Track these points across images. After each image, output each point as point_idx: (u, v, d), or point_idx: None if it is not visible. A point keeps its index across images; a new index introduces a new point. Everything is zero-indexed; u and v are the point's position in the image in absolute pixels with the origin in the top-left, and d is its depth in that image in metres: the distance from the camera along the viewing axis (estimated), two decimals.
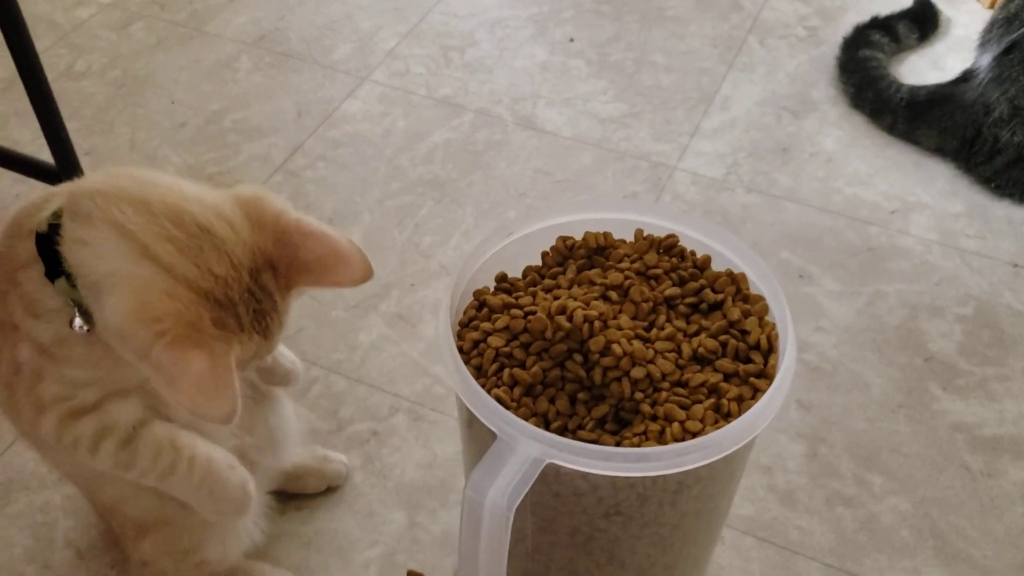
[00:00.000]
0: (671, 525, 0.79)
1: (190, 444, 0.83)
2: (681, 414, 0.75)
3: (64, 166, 1.36)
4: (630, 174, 1.49)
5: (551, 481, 0.75)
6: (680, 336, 0.80)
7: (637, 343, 0.78)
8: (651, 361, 0.78)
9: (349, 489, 1.13)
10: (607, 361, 0.77)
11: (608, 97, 1.62)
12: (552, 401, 0.78)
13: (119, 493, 0.92)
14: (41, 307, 0.75)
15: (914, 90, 1.52)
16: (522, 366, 0.79)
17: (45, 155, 1.38)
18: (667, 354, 0.78)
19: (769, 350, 0.79)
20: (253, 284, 0.70)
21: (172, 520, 0.94)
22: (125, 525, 0.96)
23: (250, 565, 1.02)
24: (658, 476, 0.73)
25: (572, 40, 1.73)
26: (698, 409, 0.75)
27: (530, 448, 0.71)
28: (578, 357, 0.78)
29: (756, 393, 0.76)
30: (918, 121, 1.51)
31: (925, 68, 1.67)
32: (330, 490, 1.12)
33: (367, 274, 0.73)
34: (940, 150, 1.50)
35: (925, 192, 1.47)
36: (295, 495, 1.11)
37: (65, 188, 0.76)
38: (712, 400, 0.76)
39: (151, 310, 0.66)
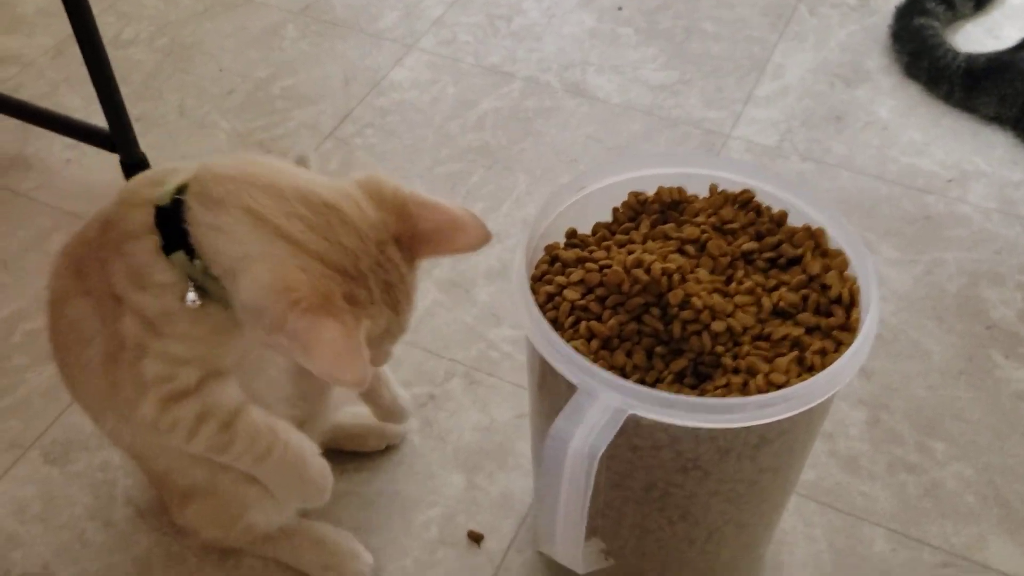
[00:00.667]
0: (748, 481, 0.78)
1: (284, 428, 0.85)
2: (764, 367, 0.74)
3: (117, 130, 1.36)
4: (682, 141, 1.47)
5: (630, 434, 0.74)
6: (759, 291, 0.79)
7: (717, 296, 0.77)
8: (731, 315, 0.77)
9: (408, 451, 1.13)
10: (686, 314, 0.76)
11: (658, 65, 1.61)
12: (629, 355, 0.77)
13: (168, 464, 0.93)
14: (149, 280, 0.75)
15: (972, 58, 1.50)
16: (598, 320, 0.78)
17: (96, 121, 1.39)
18: (747, 308, 0.77)
19: (851, 304, 0.78)
20: (381, 256, 0.71)
21: (219, 490, 0.94)
22: (173, 492, 0.96)
23: (309, 525, 1.02)
24: (741, 429, 0.72)
25: (620, 8, 1.71)
26: (782, 362, 0.74)
27: (612, 399, 0.70)
28: (656, 311, 0.77)
29: (839, 347, 0.75)
30: (976, 89, 1.48)
31: (981, 36, 1.64)
32: (389, 449, 1.12)
33: (485, 238, 0.74)
34: (998, 118, 1.48)
35: (983, 160, 1.44)
36: (355, 456, 1.10)
37: (189, 167, 0.75)
38: (795, 353, 0.75)
39: (286, 283, 0.67)
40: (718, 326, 0.76)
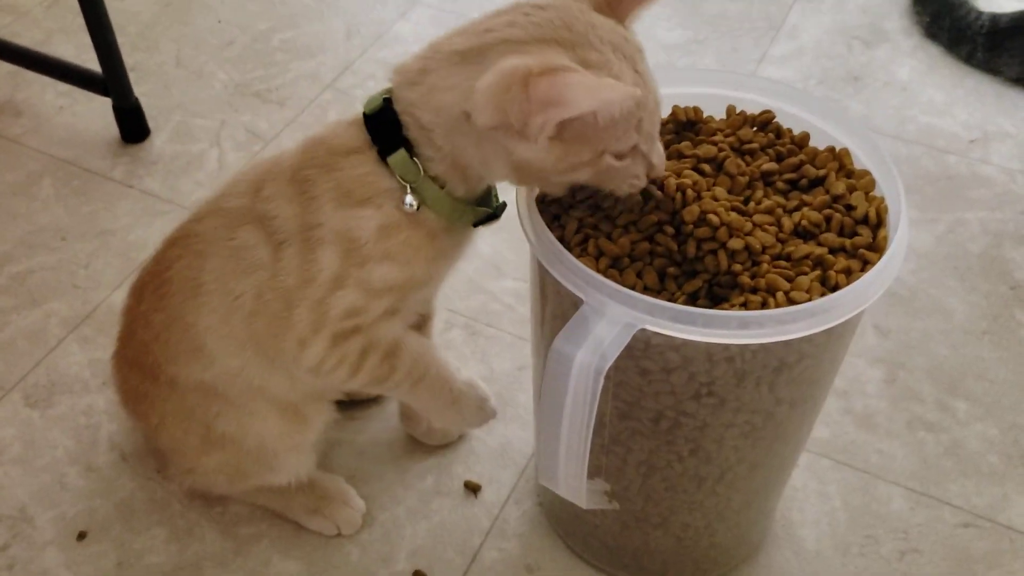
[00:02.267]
0: (765, 413, 0.73)
1: (434, 349, 0.86)
2: (785, 284, 0.69)
3: (111, 74, 1.32)
4: None
5: (639, 356, 0.69)
6: (779, 211, 0.74)
7: (734, 214, 0.72)
8: (749, 233, 0.72)
9: None
10: (702, 232, 0.71)
11: (672, 24, 1.56)
12: (640, 275, 0.72)
13: (220, 408, 0.86)
14: (371, 190, 0.74)
15: (996, 17, 1.45)
16: (608, 239, 0.73)
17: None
18: (766, 227, 0.72)
19: (878, 224, 0.73)
20: (594, 21, 0.69)
21: (251, 451, 0.89)
22: (192, 435, 0.89)
23: None
24: (759, 348, 0.67)
25: None
26: (804, 280, 0.69)
27: (622, 313, 0.65)
28: (669, 229, 0.72)
29: (865, 267, 0.70)
30: (1000, 49, 1.43)
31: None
32: (384, 399, 1.07)
33: None
34: (1022, 80, 1.43)
35: (1008, 121, 1.39)
36: (349, 404, 1.05)
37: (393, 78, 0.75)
38: (817, 272, 0.70)
39: (512, 67, 0.64)
40: (736, 244, 0.71)
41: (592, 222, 0.74)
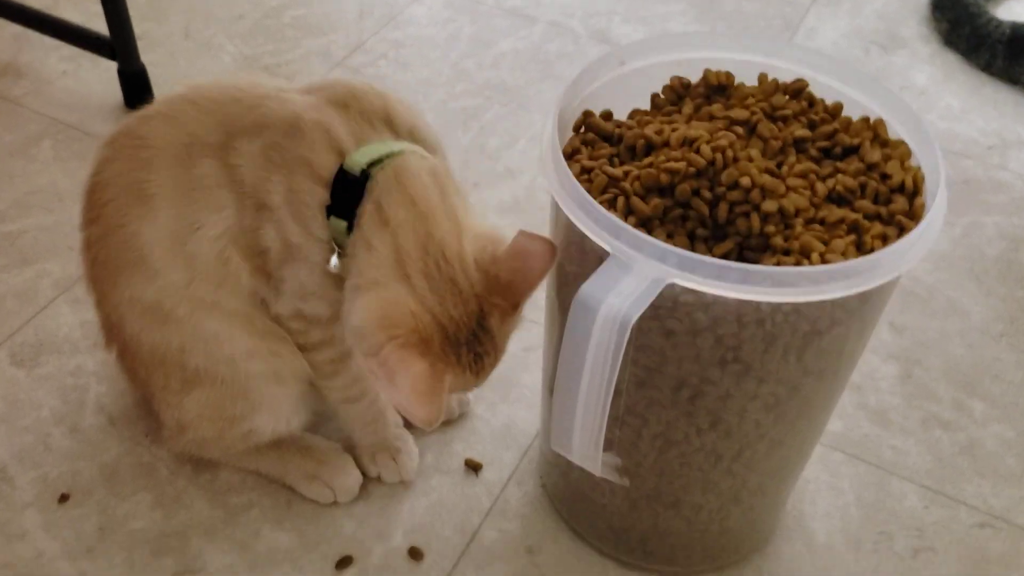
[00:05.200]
0: (790, 385, 0.70)
1: (374, 391, 0.92)
2: (820, 246, 0.66)
3: (118, 37, 1.29)
4: None
5: (665, 316, 0.66)
6: (813, 176, 0.71)
7: (767, 176, 0.69)
8: (783, 196, 0.69)
9: None
10: (734, 195, 0.68)
11: (688, 19, 1.54)
12: (670, 236, 0.69)
13: (182, 341, 0.84)
14: (304, 225, 0.75)
15: (1016, 27, 1.43)
16: (639, 199, 0.70)
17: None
18: (800, 190, 0.70)
19: (915, 192, 0.70)
20: (479, 330, 0.73)
21: (228, 382, 0.86)
22: (171, 377, 0.87)
23: (299, 435, 0.94)
24: (791, 311, 0.64)
25: None
26: (839, 243, 0.66)
27: (650, 267, 0.62)
28: (707, 194, 0.69)
29: (902, 232, 0.67)
30: (1019, 58, 1.42)
31: (1022, 11, 1.58)
32: None
33: (552, 250, 0.71)
34: None
35: None
36: None
37: (395, 147, 0.75)
38: (853, 237, 0.67)
39: (394, 319, 0.71)
40: (769, 206, 0.68)
41: (622, 184, 0.71)
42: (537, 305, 1.12)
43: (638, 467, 0.79)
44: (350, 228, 0.74)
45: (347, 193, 0.73)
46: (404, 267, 0.72)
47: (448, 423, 1.01)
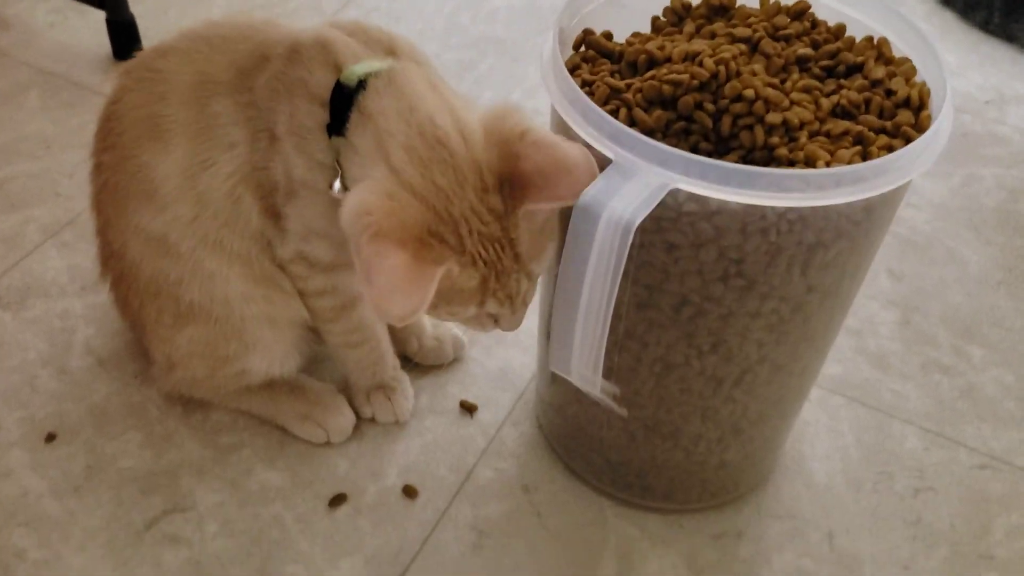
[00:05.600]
0: (794, 302, 0.69)
1: (380, 335, 0.91)
2: (825, 156, 0.64)
3: None
4: None
5: (667, 228, 0.65)
6: (817, 92, 0.70)
7: (771, 89, 0.68)
8: (787, 109, 0.67)
9: None
10: (738, 107, 0.67)
11: None
12: None
13: (180, 275, 0.82)
14: (307, 149, 0.72)
15: None
16: (641, 110, 0.69)
17: None
18: (805, 104, 0.68)
19: (920, 107, 0.69)
20: (478, 203, 0.65)
21: (222, 321, 0.84)
22: (165, 311, 0.85)
23: (293, 376, 0.92)
24: (796, 220, 0.63)
25: None
26: (844, 153, 0.65)
27: (654, 172, 0.61)
28: (710, 107, 0.68)
29: (908, 144, 0.66)
30: (1016, 15, 1.41)
31: None
32: None
33: (591, 177, 0.62)
34: None
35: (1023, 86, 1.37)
36: None
37: (389, 61, 0.71)
38: (858, 148, 0.66)
39: (366, 207, 0.63)
40: (773, 118, 0.66)
41: (624, 96, 0.69)
42: None
43: (637, 395, 0.78)
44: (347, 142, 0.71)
45: (345, 108, 0.70)
46: (384, 148, 0.66)
47: (442, 366, 0.99)
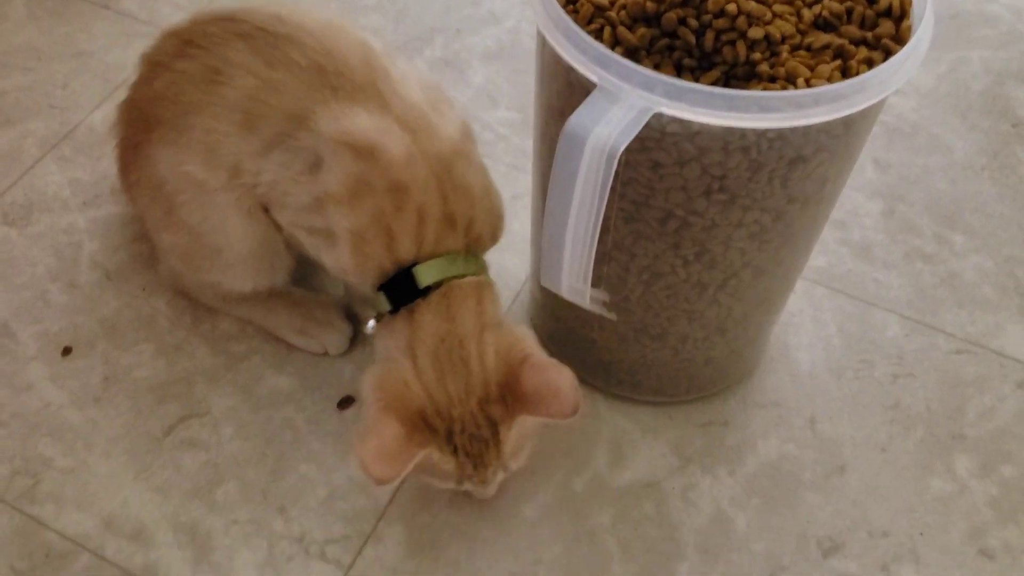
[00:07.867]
0: (775, 212, 0.72)
1: None
2: (805, 72, 0.66)
3: None
4: None
5: (652, 148, 0.67)
6: (799, 3, 0.71)
7: (753, 3, 0.69)
8: (769, 23, 0.68)
9: None
10: (720, 23, 0.68)
11: None
12: (657, 68, 0.69)
13: (183, 195, 0.84)
14: (360, 268, 0.78)
15: None
16: (625, 28, 0.70)
17: None
18: (787, 16, 0.69)
19: (901, 16, 0.70)
20: (478, 411, 0.75)
21: (196, 236, 0.87)
22: (157, 205, 0.88)
23: (288, 289, 0.95)
24: (776, 137, 0.65)
25: None
26: (824, 69, 0.66)
27: (637, 96, 0.63)
28: (693, 23, 0.68)
29: (888, 57, 0.67)
30: None
31: None
32: None
33: (575, 411, 0.73)
34: None
35: None
36: None
37: (454, 268, 0.78)
38: (838, 62, 0.67)
39: (384, 384, 0.75)
40: (755, 33, 0.67)
41: (610, 14, 0.70)
42: (524, 153, 1.12)
43: (626, 301, 0.81)
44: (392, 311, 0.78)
45: (403, 289, 0.77)
46: (414, 350, 0.76)
47: None
